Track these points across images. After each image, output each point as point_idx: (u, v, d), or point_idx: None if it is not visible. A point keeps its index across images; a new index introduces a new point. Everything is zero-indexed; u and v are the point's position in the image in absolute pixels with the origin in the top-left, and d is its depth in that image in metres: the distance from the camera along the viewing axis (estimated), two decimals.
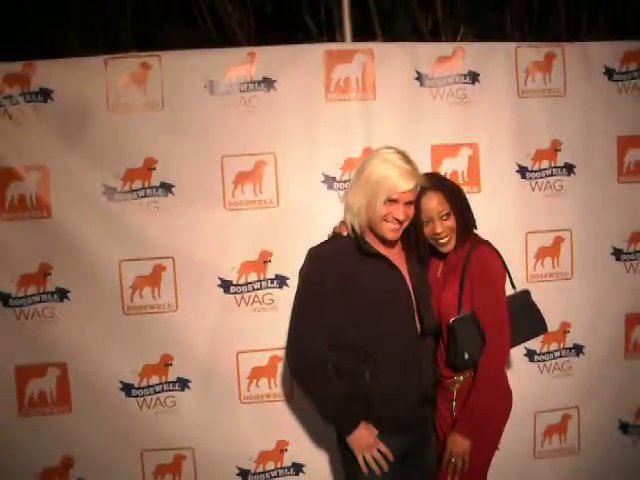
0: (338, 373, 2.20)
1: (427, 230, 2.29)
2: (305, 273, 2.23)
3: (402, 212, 2.13)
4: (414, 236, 2.27)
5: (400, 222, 2.16)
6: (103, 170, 2.84)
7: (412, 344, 2.22)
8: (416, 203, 2.21)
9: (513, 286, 2.43)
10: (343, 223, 2.30)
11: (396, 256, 2.29)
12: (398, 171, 2.11)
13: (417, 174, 2.16)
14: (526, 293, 2.45)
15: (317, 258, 2.21)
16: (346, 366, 2.20)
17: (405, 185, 2.10)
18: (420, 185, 2.20)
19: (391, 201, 2.13)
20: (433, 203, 2.26)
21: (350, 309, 2.17)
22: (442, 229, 2.26)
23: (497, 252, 2.32)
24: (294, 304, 2.25)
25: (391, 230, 2.18)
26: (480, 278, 2.21)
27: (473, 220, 2.37)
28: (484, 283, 2.22)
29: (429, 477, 2.33)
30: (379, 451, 2.17)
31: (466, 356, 2.19)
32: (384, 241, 2.25)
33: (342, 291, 2.15)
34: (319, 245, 2.27)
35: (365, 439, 2.17)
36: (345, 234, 2.24)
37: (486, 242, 2.34)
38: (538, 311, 2.46)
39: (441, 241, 2.28)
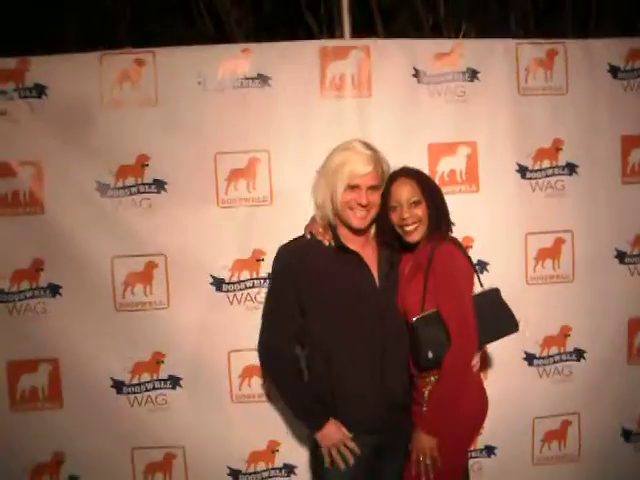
0: (308, 370, 2.21)
1: (394, 216, 2.24)
2: (274, 269, 2.26)
3: (364, 197, 2.12)
4: (381, 223, 2.25)
5: (365, 207, 2.12)
6: (96, 166, 2.83)
7: (376, 345, 2.19)
8: (387, 189, 2.20)
9: (481, 284, 2.36)
10: (314, 220, 2.28)
11: (368, 253, 2.26)
12: (357, 156, 2.13)
13: (378, 158, 2.17)
14: (495, 291, 2.37)
15: (285, 254, 2.23)
16: (313, 364, 2.22)
17: (363, 168, 2.10)
18: (393, 171, 2.21)
19: (353, 187, 2.12)
20: (403, 188, 2.22)
21: (316, 304, 2.17)
22: (409, 215, 2.20)
23: (463, 250, 2.29)
24: (265, 300, 2.29)
25: (357, 217, 2.18)
26: (442, 274, 2.16)
27: (447, 217, 2.31)
28: (446, 279, 2.16)
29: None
30: (347, 447, 2.16)
31: (430, 355, 2.13)
32: (356, 234, 2.23)
33: (310, 286, 2.15)
34: (289, 242, 2.28)
35: (332, 436, 2.16)
36: (309, 236, 2.23)
37: (453, 240, 2.30)
38: (508, 309, 2.37)
39: (407, 228, 2.22)
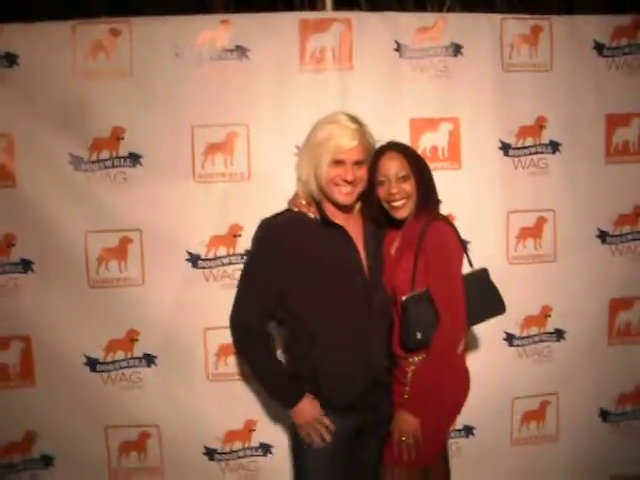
0: (288, 350, 2.15)
1: (381, 191, 2.18)
2: (255, 242, 2.18)
3: (350, 172, 2.06)
4: (368, 198, 2.19)
5: (351, 183, 2.07)
6: (70, 139, 2.75)
7: (362, 322, 2.14)
8: (374, 163, 2.14)
9: (470, 264, 2.31)
10: (297, 195, 2.22)
11: (353, 228, 2.21)
12: (342, 130, 2.06)
13: (363, 132, 2.11)
14: (484, 271, 2.33)
15: (269, 227, 2.15)
16: (294, 343, 2.15)
17: (348, 142, 2.04)
18: (380, 146, 2.15)
19: (337, 162, 2.06)
20: (391, 162, 2.16)
21: (299, 280, 2.09)
22: (397, 190, 2.14)
23: (454, 228, 2.22)
24: (241, 273, 2.21)
25: (343, 194, 2.11)
26: (434, 253, 2.10)
27: (435, 194, 2.26)
28: (438, 258, 2.10)
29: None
30: (322, 424, 2.13)
31: (418, 335, 2.08)
32: (342, 210, 2.18)
33: (293, 260, 2.07)
34: (272, 215, 2.20)
35: (307, 413, 2.12)
36: (296, 209, 2.16)
37: (444, 218, 2.24)
38: (496, 290, 2.33)
39: (395, 204, 2.17)
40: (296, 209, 2.19)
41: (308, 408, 2.12)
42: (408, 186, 2.16)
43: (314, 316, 2.10)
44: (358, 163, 2.10)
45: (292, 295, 2.12)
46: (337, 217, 2.17)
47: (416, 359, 2.16)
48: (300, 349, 2.13)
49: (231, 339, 2.20)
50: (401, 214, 2.19)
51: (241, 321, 2.15)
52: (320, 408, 2.14)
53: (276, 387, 2.19)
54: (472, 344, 2.92)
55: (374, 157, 2.18)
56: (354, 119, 2.13)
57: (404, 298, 2.11)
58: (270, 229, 2.14)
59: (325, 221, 2.14)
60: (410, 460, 2.16)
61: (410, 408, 2.13)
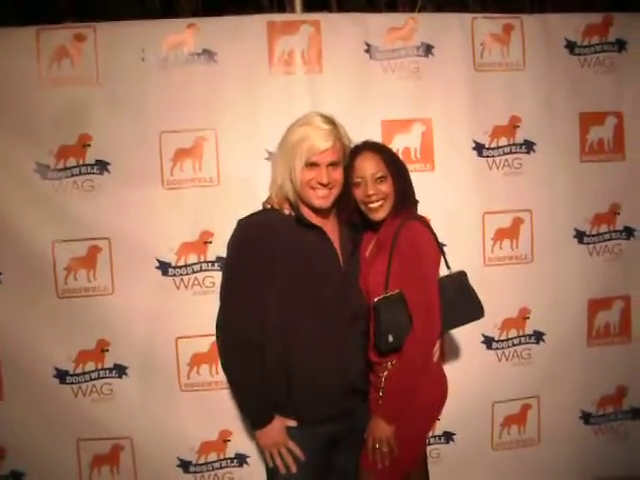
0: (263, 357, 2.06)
1: (358, 193, 2.13)
2: (235, 244, 2.08)
3: (325, 175, 2.01)
4: (344, 199, 2.13)
5: (326, 186, 2.02)
6: (35, 147, 2.71)
7: (337, 328, 2.08)
8: (350, 163, 2.09)
9: (448, 266, 2.26)
10: (270, 197, 2.17)
11: (330, 230, 2.15)
12: (315, 132, 2.00)
13: (338, 133, 2.06)
14: (462, 274, 2.28)
15: (248, 227, 2.07)
16: (268, 349, 2.06)
17: (322, 144, 1.99)
18: (355, 145, 2.11)
19: (312, 165, 2.01)
20: (368, 163, 2.11)
21: (277, 283, 2.02)
22: (374, 191, 2.09)
23: (430, 229, 2.16)
24: (224, 279, 2.11)
25: (319, 197, 2.06)
26: (407, 254, 2.04)
27: (412, 194, 2.21)
28: (411, 259, 2.04)
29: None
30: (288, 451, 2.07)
31: (390, 338, 2.03)
32: (318, 213, 2.12)
33: (271, 263, 2.00)
34: (249, 216, 2.12)
35: (272, 437, 2.06)
36: (269, 206, 2.12)
37: (420, 218, 2.18)
38: (474, 294, 2.28)
39: (371, 205, 2.12)
40: (269, 206, 2.13)
41: (277, 430, 2.06)
42: (385, 187, 2.11)
43: (289, 319, 2.03)
44: (333, 164, 2.05)
45: (269, 296, 2.03)
46: (314, 220, 2.12)
47: (389, 364, 2.11)
48: (273, 356, 2.05)
49: (221, 353, 2.11)
50: (378, 216, 2.14)
51: (239, 334, 2.03)
52: (286, 435, 2.07)
53: (250, 403, 2.10)
54: (450, 347, 2.88)
55: (349, 157, 2.13)
56: (329, 120, 2.07)
57: (376, 300, 2.06)
58: (249, 229, 2.06)
59: (302, 222, 2.08)
60: (385, 468, 2.11)
61: (383, 414, 2.08)
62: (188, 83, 2.75)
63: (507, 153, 2.93)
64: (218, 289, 2.15)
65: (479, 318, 2.30)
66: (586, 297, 3.02)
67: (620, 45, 2.98)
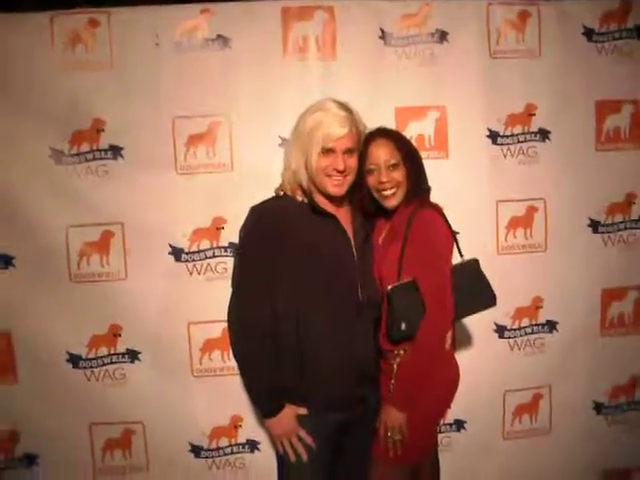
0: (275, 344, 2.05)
1: (371, 180, 2.13)
2: (248, 230, 2.07)
3: (341, 161, 2.00)
4: (357, 186, 2.12)
5: (342, 173, 2.01)
6: (50, 132, 2.71)
7: (351, 314, 2.07)
8: (363, 150, 2.08)
9: (461, 254, 2.25)
10: (284, 184, 2.16)
11: (343, 217, 2.15)
12: (331, 118, 1.99)
13: (353, 119, 2.04)
14: (474, 262, 2.27)
15: (261, 214, 2.06)
16: (282, 337, 2.05)
17: (339, 130, 1.98)
18: (369, 132, 2.09)
19: (328, 151, 2.00)
20: (381, 150, 2.10)
21: (290, 270, 2.01)
22: (388, 179, 2.09)
23: (444, 216, 2.16)
24: (236, 266, 2.10)
25: (334, 185, 2.05)
26: (420, 241, 2.03)
27: (426, 181, 2.20)
28: (424, 247, 2.04)
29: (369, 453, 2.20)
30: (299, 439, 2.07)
31: (403, 326, 2.02)
32: (332, 201, 2.11)
33: (287, 247, 2.00)
34: (263, 202, 2.11)
35: (283, 426, 2.06)
36: (282, 193, 2.11)
37: (434, 206, 2.17)
38: (487, 282, 2.27)
39: (385, 193, 2.11)
40: (282, 193, 2.13)
41: (287, 420, 2.06)
42: (398, 174, 2.11)
43: (301, 306, 2.02)
44: (349, 151, 2.04)
45: (281, 284, 2.02)
46: (328, 208, 2.11)
47: (402, 352, 2.10)
48: (284, 344, 2.05)
49: (233, 341, 2.10)
50: (391, 203, 2.13)
51: (253, 321, 2.02)
52: (297, 424, 2.07)
53: (261, 391, 2.09)
54: (462, 336, 2.87)
55: (363, 144, 2.12)
56: (344, 106, 2.07)
57: (389, 287, 2.05)
58: (262, 216, 2.05)
59: (315, 209, 2.07)
60: (397, 456, 2.11)
61: (395, 402, 2.08)
62: (202, 68, 2.74)
63: (522, 141, 2.90)
64: (230, 275, 2.16)
65: (491, 306, 2.29)
66: (600, 287, 3.00)
67: (639, 32, 2.94)
